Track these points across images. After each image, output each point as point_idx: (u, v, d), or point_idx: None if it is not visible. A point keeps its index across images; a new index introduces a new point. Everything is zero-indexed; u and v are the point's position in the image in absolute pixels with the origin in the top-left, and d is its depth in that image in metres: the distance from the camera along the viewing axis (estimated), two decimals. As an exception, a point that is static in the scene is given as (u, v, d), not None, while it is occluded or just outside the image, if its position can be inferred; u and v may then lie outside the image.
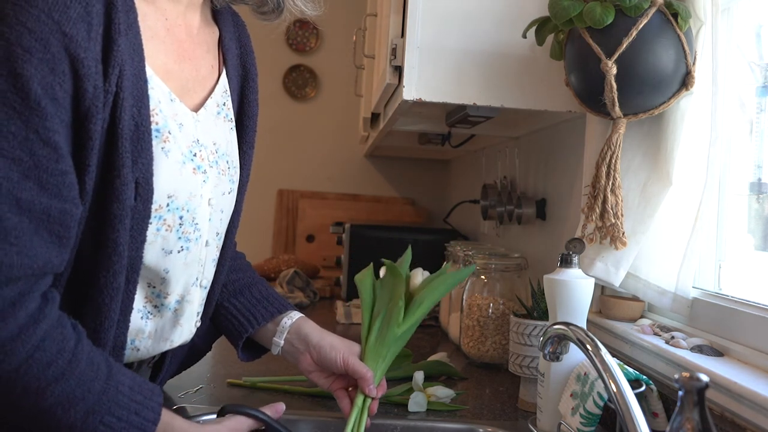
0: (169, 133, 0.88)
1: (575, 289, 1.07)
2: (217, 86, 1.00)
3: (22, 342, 0.75)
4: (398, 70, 1.40)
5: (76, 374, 0.79)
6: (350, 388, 1.12)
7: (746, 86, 1.15)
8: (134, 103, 0.83)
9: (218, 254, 1.04)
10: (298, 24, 3.28)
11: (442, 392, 1.25)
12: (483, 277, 1.60)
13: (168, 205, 0.89)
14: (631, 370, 1.02)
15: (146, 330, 0.95)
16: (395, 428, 1.16)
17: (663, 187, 1.12)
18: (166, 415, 0.87)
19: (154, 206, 0.87)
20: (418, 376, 1.27)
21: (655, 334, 1.13)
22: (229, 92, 1.03)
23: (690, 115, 1.09)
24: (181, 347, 1.06)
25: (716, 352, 1.02)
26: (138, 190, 0.84)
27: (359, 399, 1.07)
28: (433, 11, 1.36)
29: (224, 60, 1.04)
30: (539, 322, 1.27)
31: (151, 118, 0.86)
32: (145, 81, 0.85)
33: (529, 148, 1.93)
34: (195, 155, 0.92)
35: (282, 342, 1.13)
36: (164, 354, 1.05)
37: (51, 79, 0.75)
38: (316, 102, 3.37)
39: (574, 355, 1.03)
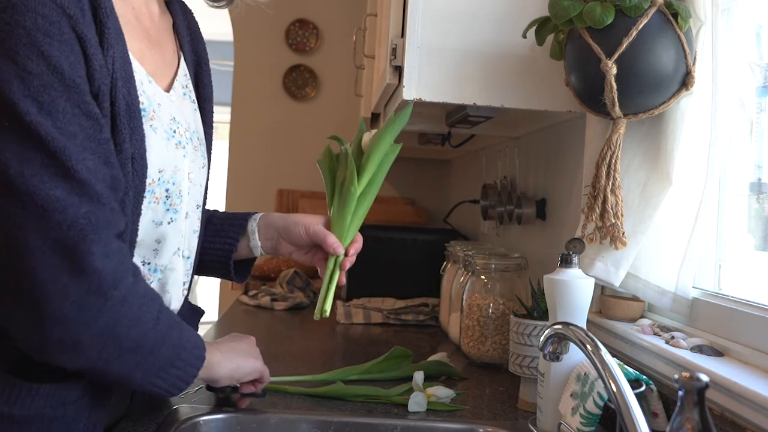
0: (153, 111, 0.93)
1: (575, 289, 1.07)
2: (179, 70, 1.06)
3: (133, 275, 0.85)
4: (398, 70, 1.40)
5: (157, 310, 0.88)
6: None
7: (746, 86, 1.15)
8: (124, 83, 0.88)
9: (199, 225, 1.09)
10: (298, 24, 3.28)
11: (442, 392, 1.25)
12: (483, 277, 1.60)
13: (159, 179, 0.94)
14: (631, 370, 1.02)
15: None
16: (395, 428, 1.16)
17: (663, 187, 1.12)
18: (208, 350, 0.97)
19: (148, 180, 0.91)
20: (418, 376, 1.27)
21: (655, 334, 1.13)
22: (188, 76, 1.09)
23: (690, 115, 1.09)
24: None
25: (716, 352, 1.02)
26: (134, 165, 0.88)
27: (330, 260, 1.15)
28: (433, 11, 1.36)
29: (180, 46, 1.09)
30: (539, 322, 1.27)
31: (138, 98, 0.91)
32: (129, 62, 0.90)
33: (529, 148, 1.93)
34: (174, 131, 0.97)
35: (259, 242, 1.20)
36: None
37: (73, 59, 0.80)
38: (316, 102, 3.37)
39: (574, 355, 1.03)
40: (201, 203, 1.09)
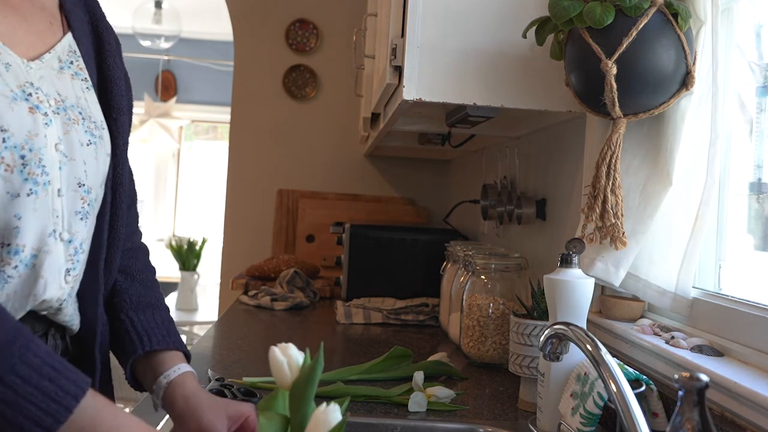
0: None
1: (575, 289, 1.07)
2: (59, 45, 1.01)
3: None
4: (398, 70, 1.40)
5: None
6: None
7: (746, 86, 1.15)
8: None
9: (88, 208, 0.99)
10: (298, 24, 3.28)
11: (442, 392, 1.25)
12: (483, 277, 1.60)
13: (4, 141, 0.85)
14: (631, 370, 1.02)
15: (3, 293, 0.87)
16: (395, 428, 1.16)
17: (663, 187, 1.12)
18: (94, 399, 0.75)
19: None
20: (418, 376, 1.27)
21: (655, 334, 1.13)
22: (79, 54, 1.03)
23: (690, 115, 1.10)
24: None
25: (716, 352, 1.02)
26: None
27: None
28: (433, 11, 1.36)
29: (69, 24, 1.05)
30: (539, 322, 1.27)
31: None
32: None
33: (529, 148, 1.93)
34: (30, 95, 0.91)
35: (159, 401, 1.01)
36: (93, 357, 1.01)
37: None
38: (316, 102, 3.37)
39: (574, 355, 1.03)
40: (95, 185, 0.99)
